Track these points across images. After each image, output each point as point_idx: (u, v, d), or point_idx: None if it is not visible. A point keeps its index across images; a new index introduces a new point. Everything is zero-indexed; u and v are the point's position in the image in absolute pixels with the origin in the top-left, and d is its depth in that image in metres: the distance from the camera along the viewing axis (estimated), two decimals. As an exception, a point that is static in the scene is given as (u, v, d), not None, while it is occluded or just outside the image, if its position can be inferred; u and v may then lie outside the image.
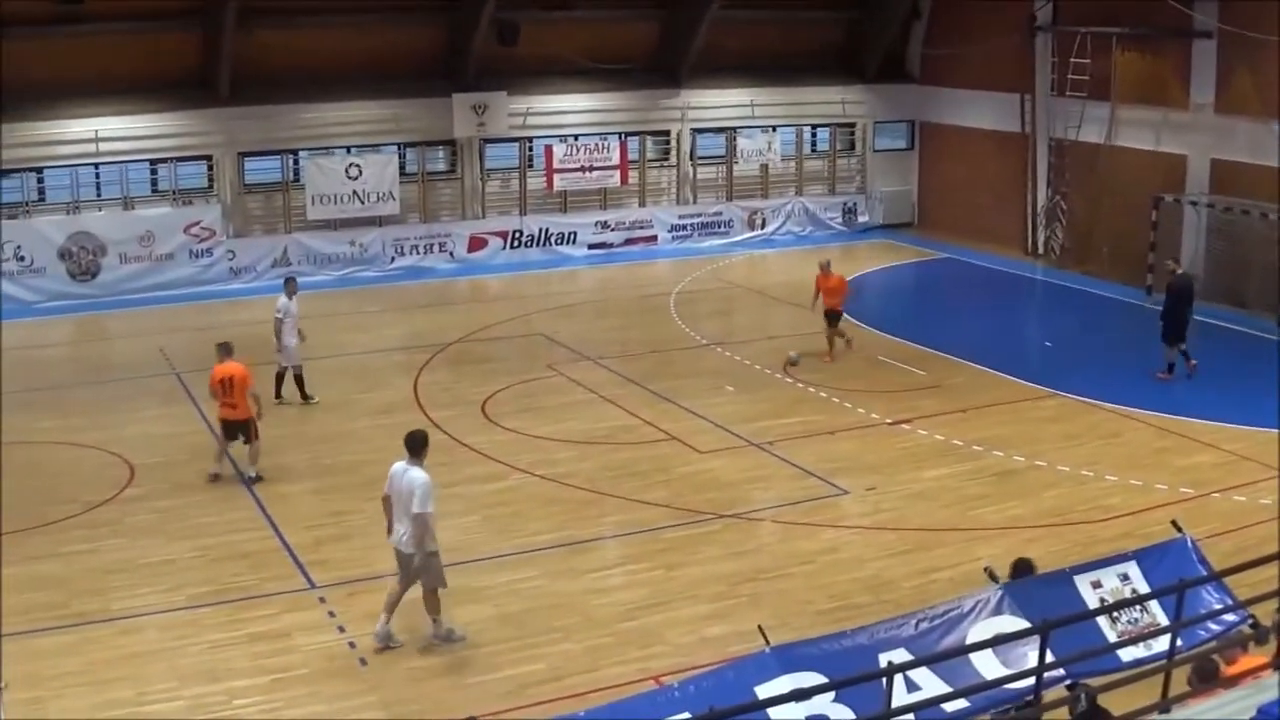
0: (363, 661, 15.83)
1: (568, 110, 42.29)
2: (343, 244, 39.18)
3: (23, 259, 36.81)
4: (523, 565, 18.33)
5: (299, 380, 26.23)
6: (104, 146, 37.88)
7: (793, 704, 10.74)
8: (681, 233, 43.33)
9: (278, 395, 25.95)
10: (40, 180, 38.36)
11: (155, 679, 15.54)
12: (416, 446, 16.42)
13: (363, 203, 39.90)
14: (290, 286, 26.45)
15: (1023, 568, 13.60)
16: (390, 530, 16.34)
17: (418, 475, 16.03)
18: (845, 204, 45.93)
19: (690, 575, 17.83)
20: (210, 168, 39.64)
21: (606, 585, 17.68)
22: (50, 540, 19.60)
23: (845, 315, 29.24)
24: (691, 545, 18.89)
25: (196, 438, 24.10)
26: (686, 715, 10.85)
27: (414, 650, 16.02)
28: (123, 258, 37.79)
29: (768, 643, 11.78)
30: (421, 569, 16.09)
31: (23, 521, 20.07)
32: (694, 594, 17.26)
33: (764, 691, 11.09)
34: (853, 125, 46.47)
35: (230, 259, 38.60)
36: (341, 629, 16.63)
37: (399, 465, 16.35)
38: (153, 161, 39.23)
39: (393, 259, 40.07)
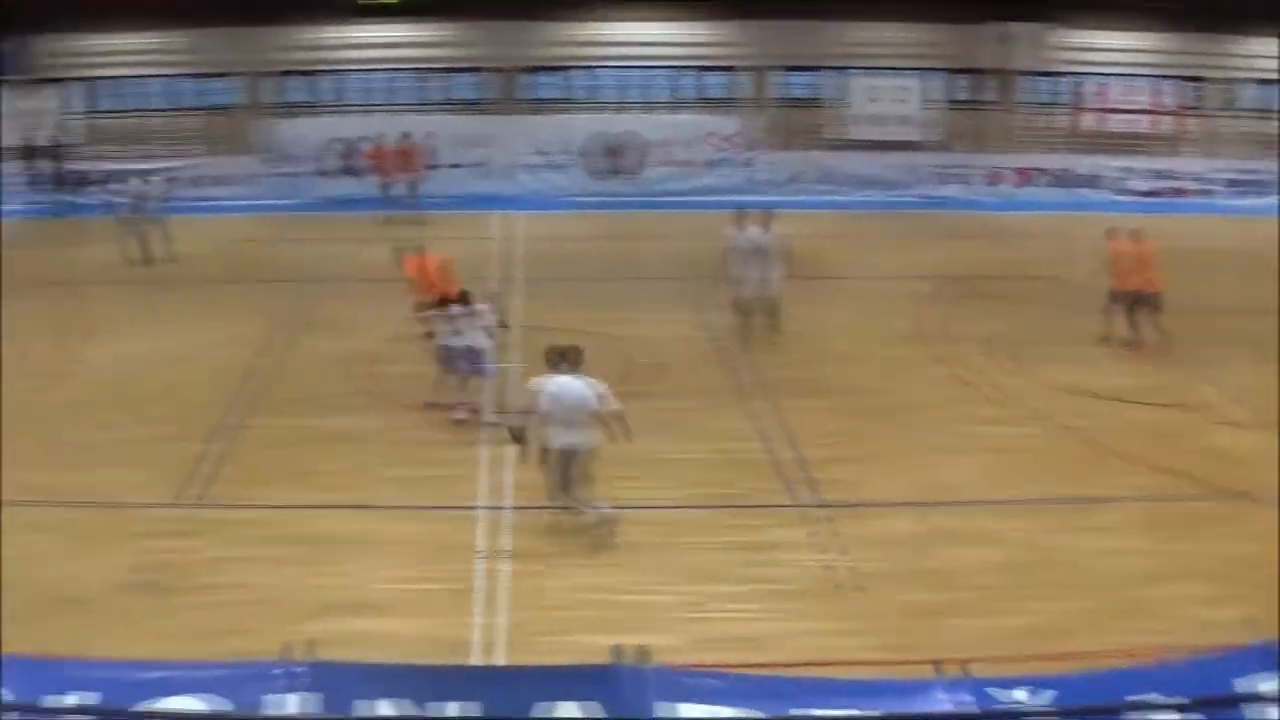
0: (854, 587, 15.73)
1: (1110, 49, 41.01)
2: (874, 167, 39.26)
3: (562, 153, 38.47)
4: (1024, 515, 17.88)
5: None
6: (648, 51, 39.07)
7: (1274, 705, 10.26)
8: (1220, 188, 41.47)
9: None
10: (583, 79, 39.90)
11: (643, 570, 15.99)
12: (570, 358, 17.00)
13: (893, 127, 39.89)
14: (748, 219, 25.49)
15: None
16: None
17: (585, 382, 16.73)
18: None
19: (1198, 551, 16.89)
20: (747, 79, 40.31)
21: (1106, 549, 16.94)
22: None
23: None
24: (1205, 521, 17.90)
25: (701, 344, 24.75)
26: (1157, 696, 10.51)
27: (904, 584, 15.85)
28: (658, 160, 39.02)
29: (1263, 635, 11.26)
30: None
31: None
32: (1199, 572, 16.33)
33: (1248, 686, 10.63)
34: None
35: (758, 171, 39.27)
36: (834, 551, 16.61)
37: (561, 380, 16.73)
38: (692, 69, 40.24)
39: (924, 186, 39.92)
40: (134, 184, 33.12)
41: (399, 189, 37.47)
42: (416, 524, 17.23)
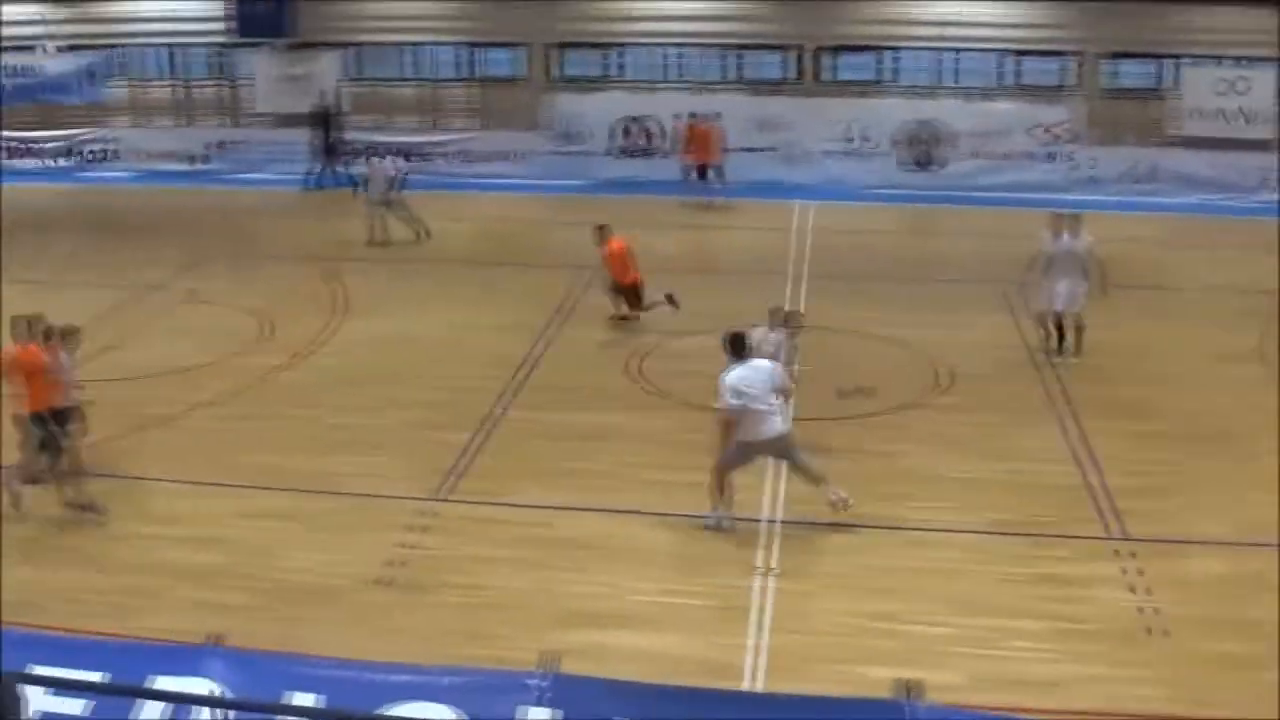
0: (1163, 633, 15.26)
1: None
2: (1213, 167, 38.29)
3: (863, 140, 38.37)
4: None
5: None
6: (957, 32, 38.76)
7: None
8: None
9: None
10: (889, 60, 39.77)
11: (927, 599, 15.79)
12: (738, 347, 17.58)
13: (1236, 123, 38.87)
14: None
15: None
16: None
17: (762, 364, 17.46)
18: None
19: None
20: (1071, 66, 39.68)
21: None
22: (850, 434, 20.40)
23: None
24: None
25: (1014, 354, 24.40)
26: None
27: (1219, 633, 15.25)
28: (966, 151, 38.70)
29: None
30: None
31: (824, 410, 20.99)
32: None
33: None
34: None
35: (1085, 167, 38.61)
36: (1143, 591, 16.15)
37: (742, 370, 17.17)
38: (1009, 53, 39.77)
39: (1265, 190, 38.75)
40: (375, 164, 34.30)
41: (708, 173, 37.77)
42: (680, 533, 17.37)
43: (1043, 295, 24.70)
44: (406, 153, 39.37)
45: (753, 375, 17.15)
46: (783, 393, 17.47)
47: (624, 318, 26.08)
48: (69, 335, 18.16)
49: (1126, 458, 20.12)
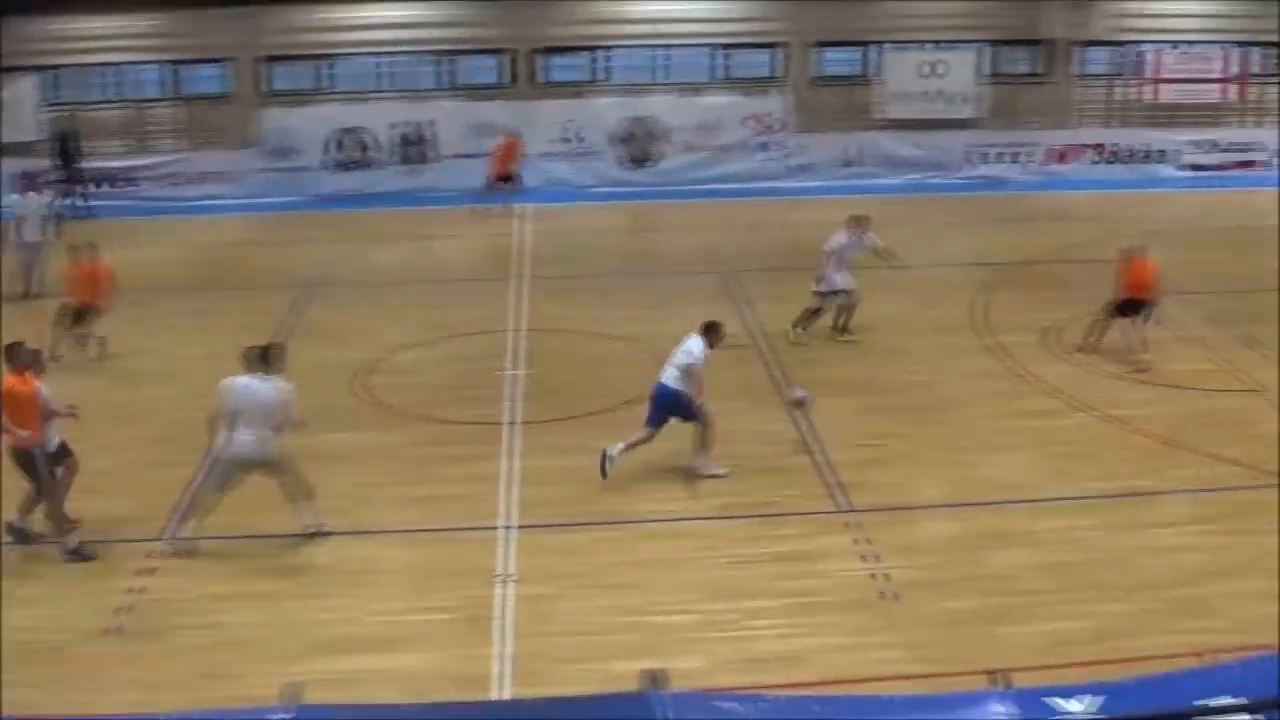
0: (894, 596, 15.94)
1: (1175, 14, 41.03)
2: (916, 147, 39.35)
3: (579, 140, 38.66)
4: (1075, 512, 18.05)
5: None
6: (668, 29, 39.28)
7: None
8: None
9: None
10: (601, 60, 40.19)
11: (668, 589, 16.13)
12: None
13: (941, 102, 40.05)
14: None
15: None
16: None
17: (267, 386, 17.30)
18: None
19: (1259, 545, 16.91)
20: (779, 57, 40.48)
21: (1165, 545, 17.14)
22: (579, 433, 20.59)
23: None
24: (1264, 512, 17.90)
25: (739, 341, 24.85)
26: (1229, 699, 10.67)
27: (949, 591, 16.01)
28: (682, 146, 39.25)
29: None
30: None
31: (553, 411, 21.34)
32: (1263, 566, 16.39)
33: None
34: None
35: (794, 155, 39.45)
36: (871, 558, 16.80)
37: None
38: (720, 47, 40.42)
39: (968, 166, 40.08)
40: (31, 200, 30.80)
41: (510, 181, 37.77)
42: (419, 548, 17.35)
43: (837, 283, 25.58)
44: (111, 179, 38.51)
45: (251, 391, 17.20)
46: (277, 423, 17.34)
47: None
48: None
49: (851, 433, 20.83)
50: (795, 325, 25.51)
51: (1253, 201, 37.43)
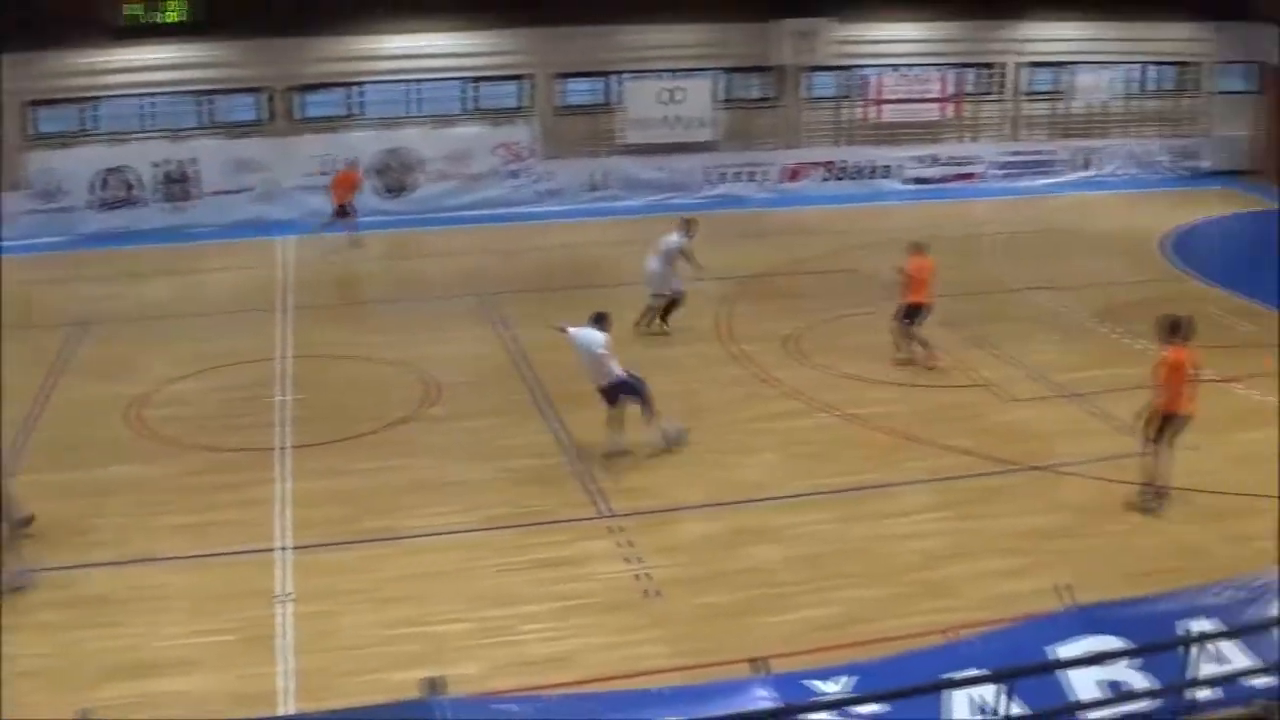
0: (657, 594, 16.10)
1: (894, 39, 42.07)
2: (657, 170, 39.64)
3: (326, 175, 38.18)
4: (820, 507, 18.40)
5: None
6: (419, 64, 39.13)
7: (1089, 667, 10.72)
8: (1006, 171, 42.87)
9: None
10: (356, 95, 39.88)
11: (442, 599, 16.10)
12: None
13: (679, 128, 40.49)
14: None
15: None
16: None
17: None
18: (1180, 147, 44.76)
19: (992, 528, 17.65)
20: (527, 88, 40.56)
21: (905, 532, 17.62)
22: (348, 455, 20.50)
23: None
24: (996, 496, 18.71)
25: (499, 360, 24.85)
26: (974, 671, 10.93)
27: (708, 586, 16.22)
28: (435, 175, 39.13)
29: (1066, 601, 11.73)
30: None
31: (322, 435, 21.10)
32: (995, 547, 17.07)
33: (1059, 652, 11.08)
34: (1192, 65, 45.08)
35: (543, 181, 39.57)
36: (633, 560, 16.96)
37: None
38: (467, 80, 40.37)
39: (707, 186, 40.57)
40: None
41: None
42: (199, 574, 16.96)
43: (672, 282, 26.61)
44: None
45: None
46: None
47: None
48: None
49: (608, 442, 20.77)
50: (642, 322, 26.41)
51: (970, 211, 38.54)
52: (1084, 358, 24.73)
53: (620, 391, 20.26)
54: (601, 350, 20.02)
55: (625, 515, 18.26)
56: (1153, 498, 18.41)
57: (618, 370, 20.16)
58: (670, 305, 26.67)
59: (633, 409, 20.31)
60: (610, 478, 19.51)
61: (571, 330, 20.48)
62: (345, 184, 36.23)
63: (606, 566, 16.89)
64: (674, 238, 26.75)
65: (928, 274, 24.42)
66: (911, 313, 24.48)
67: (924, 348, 24.56)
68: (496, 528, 18.05)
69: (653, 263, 26.74)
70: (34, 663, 14.86)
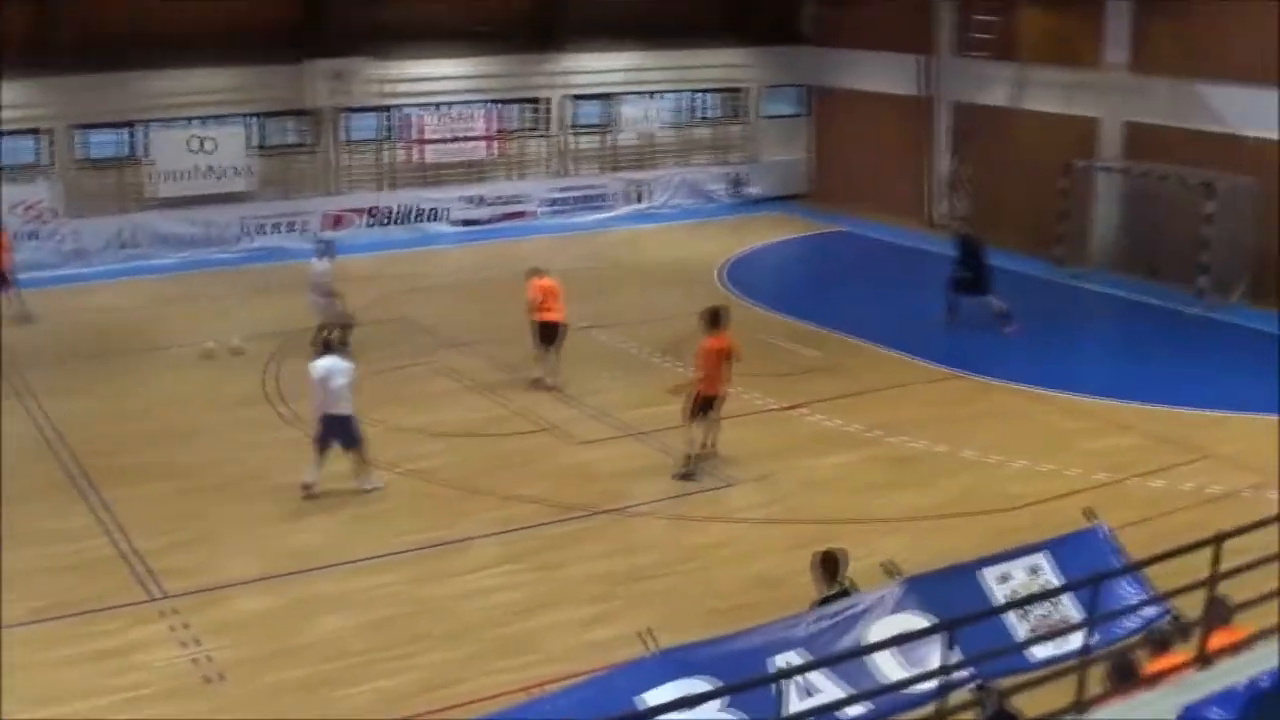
0: (219, 678, 15.55)
1: (434, 77, 41.97)
2: (191, 224, 38.58)
3: None
4: (389, 569, 18.17)
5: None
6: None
7: (680, 712, 10.64)
8: (557, 207, 43.24)
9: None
10: None
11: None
12: None
13: (213, 178, 39.49)
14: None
15: (829, 561, 13.65)
16: None
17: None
18: (733, 174, 46.07)
19: (570, 575, 17.75)
20: (43, 141, 38.96)
21: (479, 588, 17.54)
22: None
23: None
24: (571, 543, 18.82)
25: (23, 439, 23.65)
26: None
27: (273, 664, 15.77)
28: (-57, 239, 37.16)
29: (651, 647, 11.70)
30: None
31: None
32: (574, 596, 17.16)
33: (649, 699, 10.99)
34: (741, 90, 46.52)
35: (70, 240, 37.98)
36: (192, 643, 16.35)
37: None
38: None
39: (245, 239, 39.64)
40: None
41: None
42: None
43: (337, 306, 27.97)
44: None
45: None
46: None
47: None
48: None
49: (155, 518, 20.15)
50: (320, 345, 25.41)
51: (521, 250, 38.60)
52: (647, 393, 24.88)
53: (343, 430, 20.62)
54: (344, 380, 20.65)
55: (178, 596, 17.58)
56: (693, 464, 21.24)
57: (349, 408, 20.56)
58: (345, 330, 27.13)
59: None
60: (157, 558, 18.69)
61: (318, 362, 20.89)
62: None
63: (162, 652, 16.24)
64: (321, 264, 28.21)
65: (552, 294, 25.88)
66: (546, 333, 25.73)
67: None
68: (43, 620, 17.05)
69: (312, 296, 27.94)
70: None
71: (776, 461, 21.46)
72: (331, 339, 21.77)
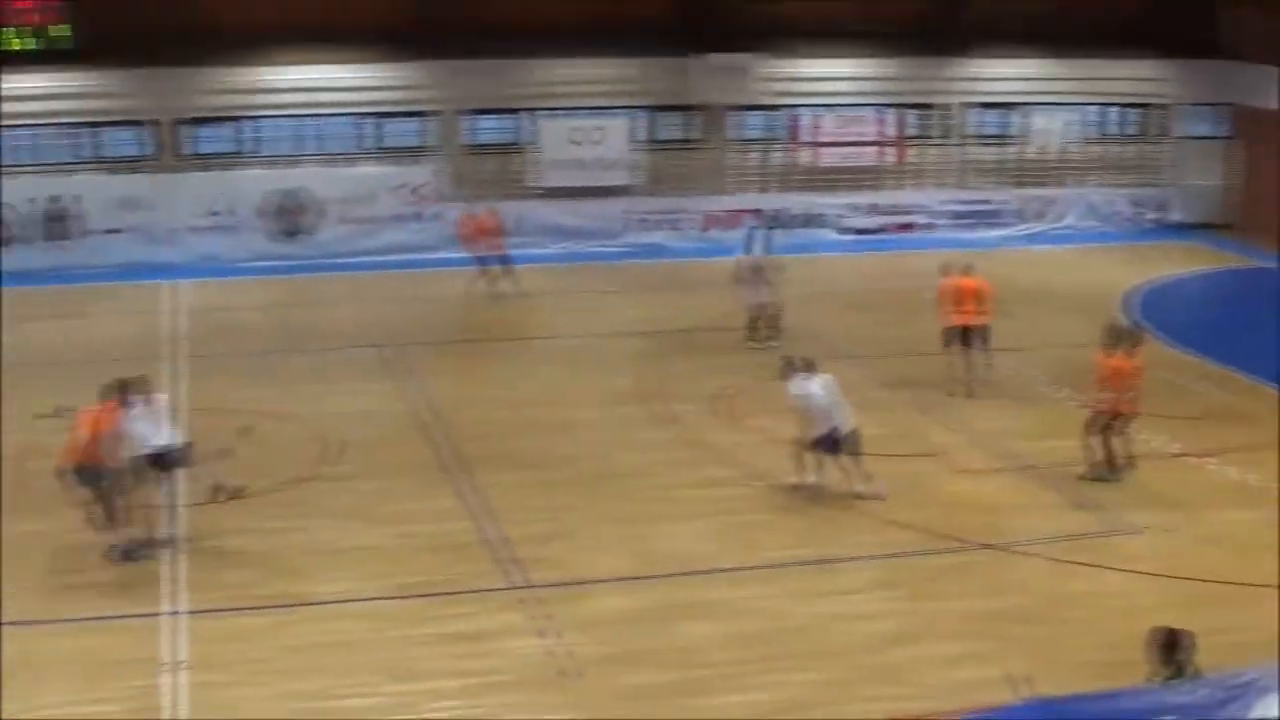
0: (577, 673, 15.74)
1: (826, 77, 42.17)
2: (573, 215, 39.38)
3: (228, 213, 37.87)
4: (757, 581, 18.20)
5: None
6: (317, 98, 38.80)
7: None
8: (951, 221, 42.76)
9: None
10: (250, 131, 39.51)
11: (346, 672, 15.82)
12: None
13: (595, 171, 40.26)
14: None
15: (1169, 641, 12.95)
16: None
17: None
18: (1143, 197, 44.61)
19: (943, 609, 17.43)
20: (431, 125, 40.26)
21: (849, 612, 17.41)
22: (247, 515, 20.14)
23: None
24: (947, 575, 18.51)
25: (401, 418, 24.51)
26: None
27: (633, 665, 15.94)
28: (335, 218, 38.77)
29: (1023, 693, 11.51)
30: None
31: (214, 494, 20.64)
32: (946, 630, 16.86)
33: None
34: (1154, 106, 44.87)
35: (450, 224, 39.18)
36: (553, 634, 16.64)
37: None
38: (371, 116, 40.05)
39: (627, 234, 40.32)
40: None
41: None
42: (89, 639, 16.58)
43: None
44: None
45: None
46: None
47: None
48: None
49: (523, 507, 20.68)
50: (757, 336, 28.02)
51: (912, 264, 38.25)
52: (1040, 425, 24.50)
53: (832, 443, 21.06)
54: (825, 395, 20.97)
55: (540, 587, 17.97)
56: (1099, 471, 21.75)
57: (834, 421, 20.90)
58: (773, 317, 29.67)
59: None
60: (523, 546, 19.18)
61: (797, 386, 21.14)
62: (481, 231, 35.08)
63: (519, 641, 16.61)
64: (756, 255, 30.87)
65: (969, 294, 26.57)
66: (964, 336, 26.46)
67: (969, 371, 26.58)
68: (402, 597, 17.77)
69: (741, 286, 30.35)
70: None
71: (1176, 511, 20.68)
72: (796, 360, 21.61)
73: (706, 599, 17.63)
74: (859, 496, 20.85)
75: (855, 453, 20.95)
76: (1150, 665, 12.66)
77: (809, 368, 21.29)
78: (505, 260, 33.92)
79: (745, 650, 16.27)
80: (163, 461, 19.31)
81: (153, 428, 19.22)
